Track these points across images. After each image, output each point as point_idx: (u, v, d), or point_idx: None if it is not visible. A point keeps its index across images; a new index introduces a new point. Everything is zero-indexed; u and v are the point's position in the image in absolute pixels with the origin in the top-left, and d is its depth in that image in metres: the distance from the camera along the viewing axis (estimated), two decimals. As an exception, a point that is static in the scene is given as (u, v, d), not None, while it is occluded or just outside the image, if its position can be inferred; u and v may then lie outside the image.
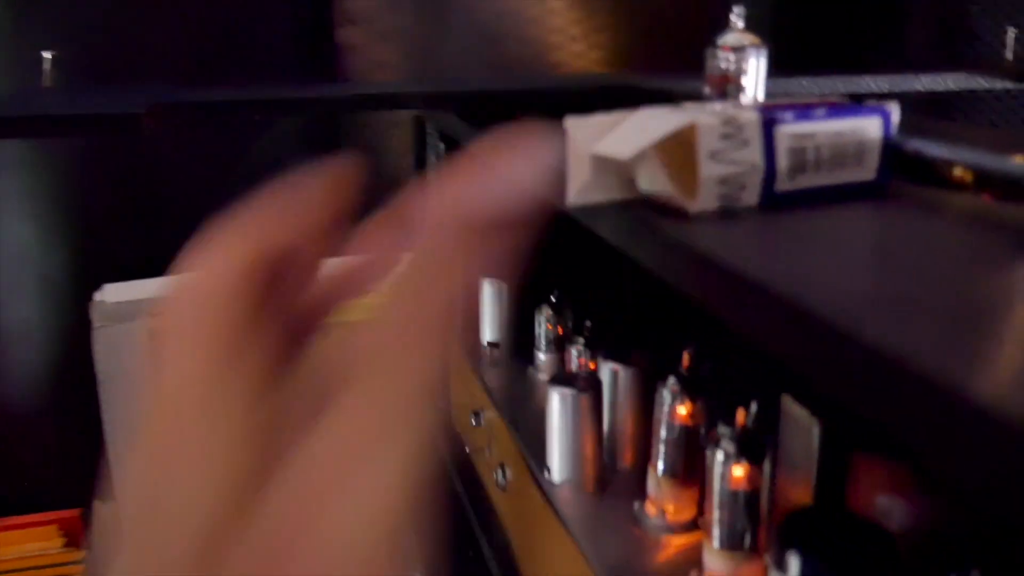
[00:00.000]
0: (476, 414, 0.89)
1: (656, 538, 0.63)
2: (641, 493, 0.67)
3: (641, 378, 0.70)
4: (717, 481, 0.54)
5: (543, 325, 0.90)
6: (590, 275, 0.91)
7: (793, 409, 0.57)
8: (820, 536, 0.46)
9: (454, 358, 1.00)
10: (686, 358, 0.62)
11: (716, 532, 0.54)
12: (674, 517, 0.63)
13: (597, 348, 0.76)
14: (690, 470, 0.63)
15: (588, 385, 0.68)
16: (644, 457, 0.72)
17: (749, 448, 0.53)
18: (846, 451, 0.55)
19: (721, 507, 0.54)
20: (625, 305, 0.85)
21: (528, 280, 0.95)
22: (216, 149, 1.61)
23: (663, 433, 0.63)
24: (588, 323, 0.79)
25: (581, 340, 0.79)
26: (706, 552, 0.56)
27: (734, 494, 0.53)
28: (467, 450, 0.93)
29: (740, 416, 0.54)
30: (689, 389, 0.62)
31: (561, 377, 0.69)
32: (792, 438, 0.57)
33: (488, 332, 0.96)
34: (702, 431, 0.62)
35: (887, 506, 0.53)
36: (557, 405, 0.68)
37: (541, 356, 0.90)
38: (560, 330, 0.88)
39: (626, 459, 0.72)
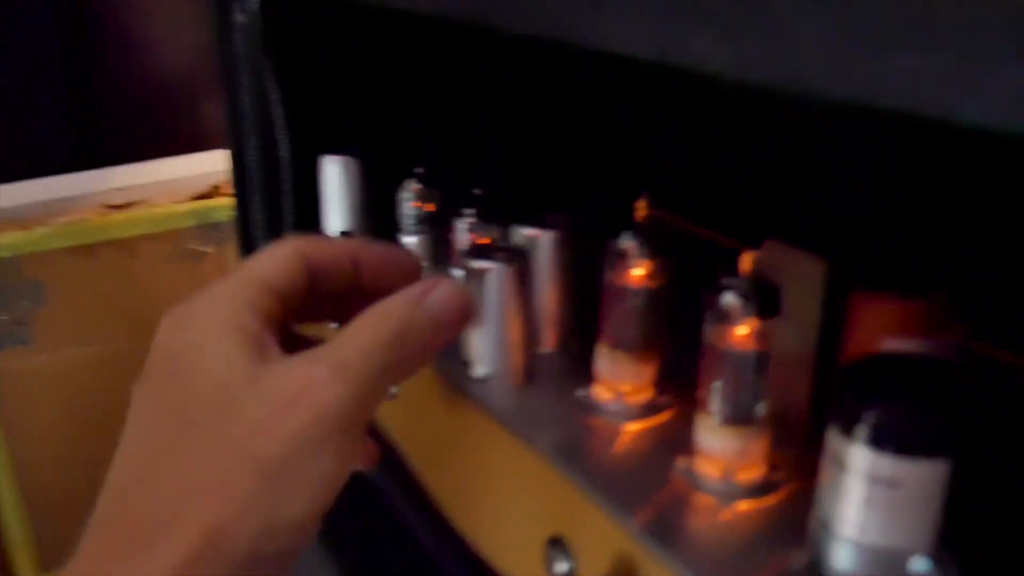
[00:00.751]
0: (339, 316, 0.74)
1: (616, 425, 0.53)
2: (577, 378, 0.57)
3: (566, 243, 0.59)
4: (723, 344, 0.44)
5: (408, 204, 0.76)
6: (463, 143, 0.78)
7: (789, 253, 0.48)
8: (893, 385, 0.37)
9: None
10: (641, 209, 0.52)
11: (719, 406, 0.45)
12: (633, 399, 0.54)
13: (493, 218, 0.64)
14: (649, 343, 0.54)
15: (511, 256, 0.56)
16: (571, 337, 0.62)
17: (761, 301, 0.44)
18: (847, 292, 0.48)
19: (727, 375, 0.45)
20: (518, 168, 0.73)
21: (381, 157, 0.80)
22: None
23: (618, 301, 0.53)
24: (478, 192, 0.67)
25: (471, 212, 0.66)
26: (703, 432, 0.47)
27: (743, 357, 0.44)
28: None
29: (746, 262, 0.44)
30: (649, 245, 0.52)
31: (474, 250, 0.57)
32: (790, 286, 0.48)
33: (336, 221, 0.80)
34: (664, 293, 0.53)
35: (895, 346, 0.46)
36: (477, 285, 0.56)
37: (408, 240, 0.76)
38: (432, 207, 0.75)
39: (548, 342, 0.62)
